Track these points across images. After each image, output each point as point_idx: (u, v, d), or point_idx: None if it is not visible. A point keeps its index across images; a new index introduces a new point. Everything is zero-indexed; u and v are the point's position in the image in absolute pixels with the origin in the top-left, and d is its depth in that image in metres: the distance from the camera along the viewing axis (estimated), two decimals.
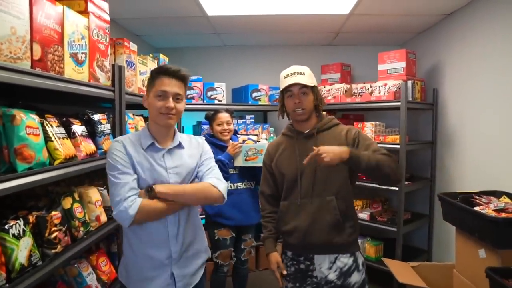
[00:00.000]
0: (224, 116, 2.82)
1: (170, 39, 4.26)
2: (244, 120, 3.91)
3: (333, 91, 3.76)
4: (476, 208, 2.27)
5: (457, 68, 3.21)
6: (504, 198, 2.47)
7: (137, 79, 2.43)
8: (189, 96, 3.65)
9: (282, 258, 1.94)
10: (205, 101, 3.71)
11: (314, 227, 1.79)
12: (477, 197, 2.46)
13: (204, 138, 1.80)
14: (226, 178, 2.68)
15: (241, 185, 2.81)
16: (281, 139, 2.00)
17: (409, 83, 3.19)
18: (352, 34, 3.98)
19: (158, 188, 1.50)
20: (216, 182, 1.63)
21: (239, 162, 2.73)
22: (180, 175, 1.61)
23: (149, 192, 1.49)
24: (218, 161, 2.64)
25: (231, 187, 2.77)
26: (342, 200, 1.80)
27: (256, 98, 3.88)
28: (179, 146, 1.65)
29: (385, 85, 3.27)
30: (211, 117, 2.87)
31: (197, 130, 3.86)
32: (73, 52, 1.56)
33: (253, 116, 3.96)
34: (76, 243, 1.66)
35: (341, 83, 3.82)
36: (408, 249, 3.58)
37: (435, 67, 3.59)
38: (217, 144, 2.81)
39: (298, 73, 1.82)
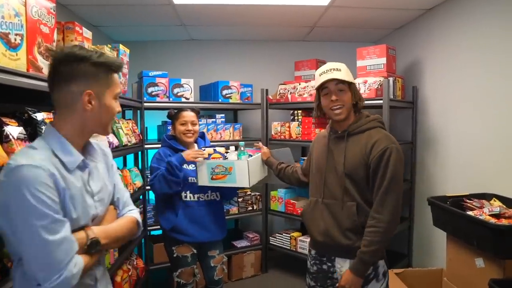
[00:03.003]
0: (189, 115, 2.49)
1: (133, 31, 3.88)
2: (214, 119, 3.60)
3: (309, 89, 3.54)
4: (470, 213, 2.12)
5: (438, 65, 3.08)
6: (495, 201, 2.34)
7: None
8: (153, 93, 3.31)
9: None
10: (171, 99, 3.38)
11: (334, 229, 1.76)
12: (468, 201, 2.32)
13: (106, 142, 1.44)
14: (176, 184, 2.33)
15: (203, 197, 2.47)
16: (325, 133, 1.96)
17: (390, 80, 3.02)
18: (328, 29, 3.78)
19: (103, 239, 1.14)
20: (139, 217, 1.35)
21: (204, 180, 2.33)
22: (103, 202, 1.24)
23: (94, 247, 1.10)
24: (166, 163, 2.30)
25: (190, 198, 2.43)
26: (364, 207, 1.72)
27: (227, 95, 3.59)
28: (95, 158, 1.28)
29: (365, 82, 3.08)
30: (174, 116, 2.53)
31: (162, 131, 3.52)
32: (3, 31, 1.22)
33: (223, 115, 3.66)
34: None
35: None
36: (388, 253, 3.39)
37: (414, 64, 3.45)
38: (176, 148, 2.46)
39: (334, 69, 1.74)
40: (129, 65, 2.90)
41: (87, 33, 2.01)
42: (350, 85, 1.77)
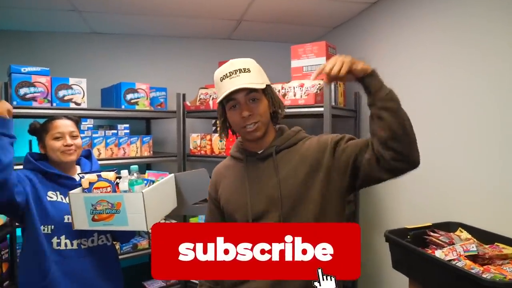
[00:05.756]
0: (64, 124, 1.74)
1: (15, 18, 2.95)
2: (116, 131, 2.82)
3: None
4: (439, 253, 1.63)
5: (383, 67, 2.62)
6: (461, 231, 1.90)
7: None
8: (27, 96, 2.47)
9: None
10: (54, 104, 2.55)
11: None
12: (432, 234, 1.84)
13: None
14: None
15: (85, 243, 1.72)
16: (230, 161, 1.46)
17: (332, 84, 2.50)
18: (257, 24, 3.21)
19: None
20: None
21: (82, 223, 1.57)
22: None
23: None
24: None
25: (66, 245, 1.67)
26: None
27: (132, 101, 2.84)
28: None
29: (302, 85, 2.55)
30: (41, 129, 1.76)
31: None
32: None
33: (127, 125, 2.88)
34: None
35: None
36: None
37: None
38: (51, 173, 1.71)
39: (241, 70, 1.26)
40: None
41: None
42: (265, 89, 1.30)
